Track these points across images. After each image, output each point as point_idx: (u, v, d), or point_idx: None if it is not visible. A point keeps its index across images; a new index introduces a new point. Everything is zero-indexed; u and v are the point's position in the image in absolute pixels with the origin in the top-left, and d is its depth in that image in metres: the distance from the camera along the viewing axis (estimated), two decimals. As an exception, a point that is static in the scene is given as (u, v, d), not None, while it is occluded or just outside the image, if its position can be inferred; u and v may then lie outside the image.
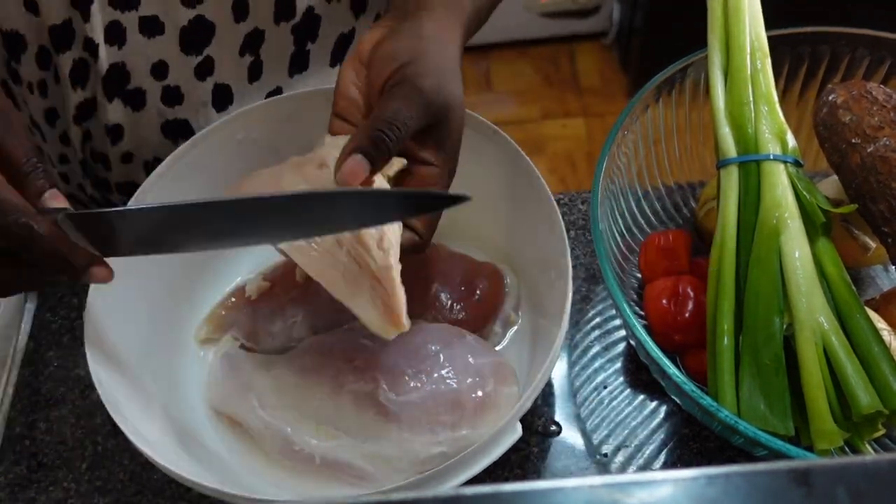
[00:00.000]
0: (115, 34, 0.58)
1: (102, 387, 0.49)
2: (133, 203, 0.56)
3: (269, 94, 0.65)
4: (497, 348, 0.60)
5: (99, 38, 0.58)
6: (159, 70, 0.61)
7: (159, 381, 0.56)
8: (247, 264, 0.65)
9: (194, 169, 0.59)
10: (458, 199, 0.41)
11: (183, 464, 0.49)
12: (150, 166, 0.67)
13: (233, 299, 0.63)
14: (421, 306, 0.60)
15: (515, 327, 0.61)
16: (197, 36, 0.59)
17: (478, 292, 0.60)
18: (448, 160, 0.50)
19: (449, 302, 0.60)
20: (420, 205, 0.43)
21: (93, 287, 0.52)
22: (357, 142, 0.45)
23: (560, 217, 0.53)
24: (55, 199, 0.42)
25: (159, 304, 0.59)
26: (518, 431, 0.47)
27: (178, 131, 0.65)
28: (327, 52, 0.66)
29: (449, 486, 0.45)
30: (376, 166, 0.46)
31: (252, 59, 0.62)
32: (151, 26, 0.58)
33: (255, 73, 0.64)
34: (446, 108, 0.48)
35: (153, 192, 0.57)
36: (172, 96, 0.63)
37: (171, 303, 0.61)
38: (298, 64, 0.65)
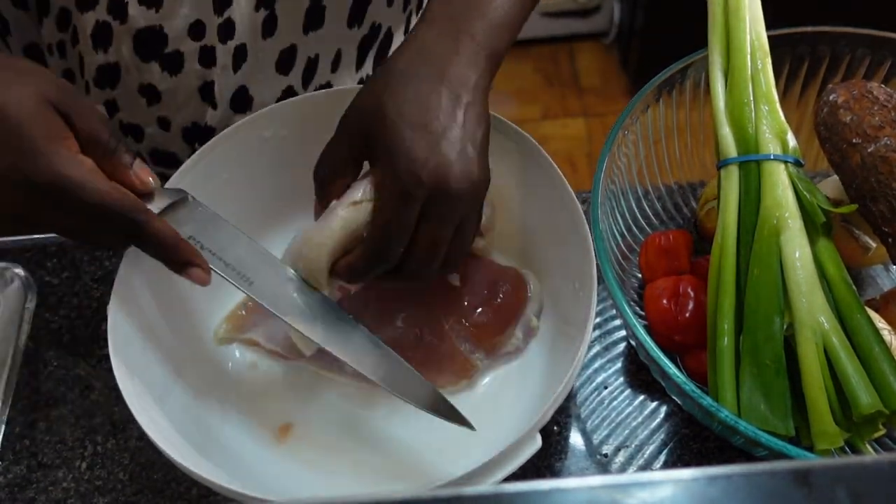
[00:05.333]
0: None
1: (122, 380, 0.50)
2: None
3: (283, 52, 0.64)
4: (518, 354, 0.60)
5: None
6: (196, 31, 0.60)
7: (179, 378, 0.57)
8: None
9: (220, 166, 0.60)
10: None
11: (198, 461, 0.50)
12: (188, 132, 0.66)
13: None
14: (443, 308, 0.60)
15: (537, 334, 0.61)
16: None
17: (500, 296, 0.60)
18: (382, 167, 0.49)
19: (471, 304, 0.60)
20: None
21: (116, 282, 0.53)
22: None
23: (587, 227, 0.53)
24: (143, 172, 0.47)
25: (181, 301, 0.60)
26: (538, 442, 0.46)
27: (210, 94, 0.64)
28: (344, 10, 0.64)
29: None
30: (321, 201, 0.51)
31: (266, 13, 0.61)
32: None
33: (269, 27, 0.62)
34: (372, 115, 0.48)
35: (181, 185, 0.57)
36: (208, 57, 0.62)
37: (192, 301, 0.61)
38: (314, 20, 0.63)
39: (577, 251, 0.54)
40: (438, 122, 0.47)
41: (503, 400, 0.58)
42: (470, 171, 0.47)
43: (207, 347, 0.62)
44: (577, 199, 0.55)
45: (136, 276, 0.55)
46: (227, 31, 0.61)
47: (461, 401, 0.58)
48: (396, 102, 0.48)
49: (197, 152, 0.59)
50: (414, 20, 0.72)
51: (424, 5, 0.55)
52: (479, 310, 0.60)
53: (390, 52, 0.71)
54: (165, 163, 0.70)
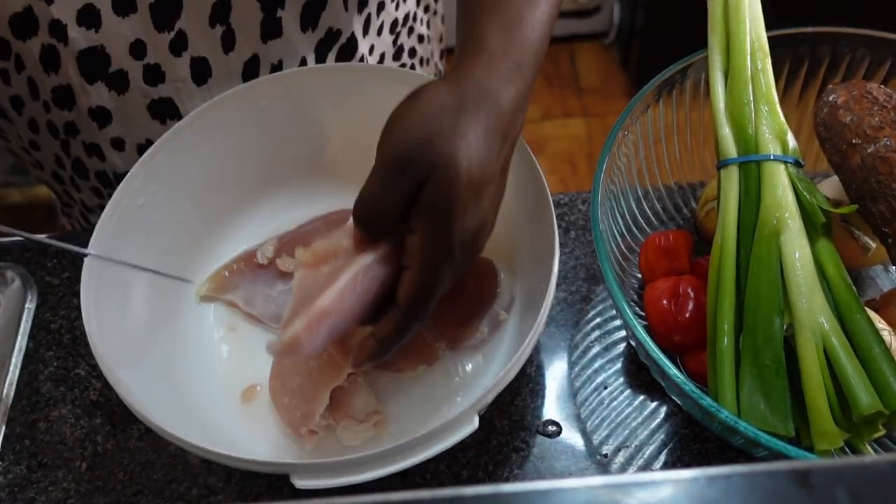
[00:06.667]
0: (89, 17, 0.57)
1: (94, 341, 0.51)
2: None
3: (247, 63, 0.65)
4: (483, 346, 0.61)
5: (68, 20, 0.57)
6: (138, 49, 0.60)
7: (158, 340, 0.58)
8: (255, 231, 0.67)
9: (212, 129, 0.62)
10: None
11: (181, 427, 0.50)
12: (143, 150, 0.67)
13: (241, 264, 0.65)
14: None
15: (502, 327, 0.61)
16: (166, 10, 0.59)
17: (467, 289, 0.61)
18: (430, 227, 0.43)
19: None
20: None
21: (95, 232, 0.54)
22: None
23: (554, 221, 0.53)
24: None
25: (161, 263, 0.61)
26: (474, 423, 0.46)
27: (165, 111, 0.65)
28: (296, 17, 0.64)
29: (396, 468, 0.45)
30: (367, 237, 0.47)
31: (223, 28, 0.62)
32: (125, 5, 0.57)
33: (228, 42, 0.63)
34: (425, 163, 0.42)
35: (150, 167, 0.60)
36: (154, 75, 0.62)
37: (173, 263, 0.62)
38: (270, 31, 0.64)
39: (545, 244, 0.54)
40: (491, 185, 0.45)
41: (463, 387, 0.59)
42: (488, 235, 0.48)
43: (187, 308, 0.63)
44: (547, 190, 0.55)
45: (114, 233, 0.56)
46: (179, 44, 0.61)
47: (421, 384, 0.59)
48: (467, 152, 0.42)
49: (168, 131, 0.60)
50: (374, 21, 0.70)
51: (464, 21, 0.49)
52: (444, 299, 0.60)
53: (359, 56, 0.71)
54: None
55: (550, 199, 0.54)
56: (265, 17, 0.63)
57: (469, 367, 0.60)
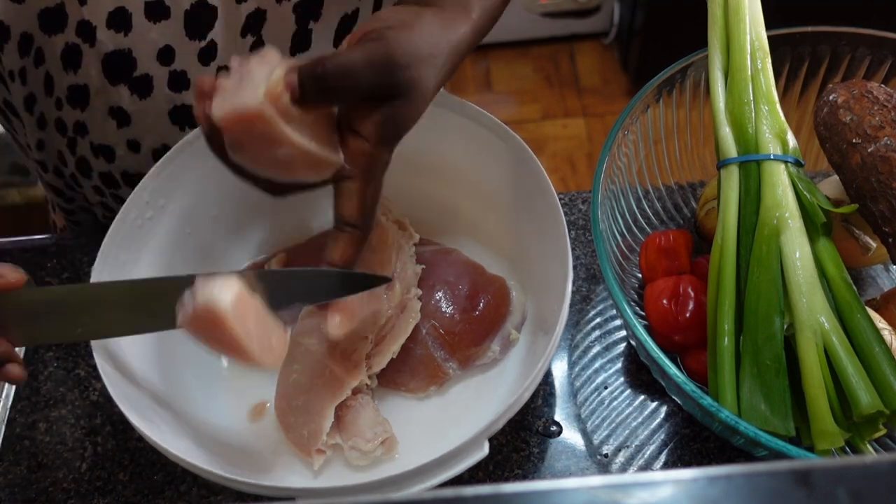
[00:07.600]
0: (120, 20, 0.57)
1: (102, 365, 0.50)
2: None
3: None
4: (495, 365, 0.60)
5: (98, 22, 0.57)
6: (165, 55, 0.60)
7: (164, 355, 0.57)
8: (263, 244, 0.67)
9: (202, 156, 0.60)
10: (380, 280, 0.45)
11: (179, 444, 0.50)
12: (158, 154, 0.67)
13: None
14: (422, 313, 0.60)
15: (514, 348, 0.61)
16: (201, 20, 0.59)
17: (479, 308, 0.60)
18: (382, 144, 0.47)
19: (449, 312, 0.60)
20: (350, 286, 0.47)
21: (98, 261, 0.53)
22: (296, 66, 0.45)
23: (567, 241, 0.52)
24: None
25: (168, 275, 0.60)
26: (484, 450, 0.46)
27: (186, 117, 0.65)
28: (331, 31, 0.65)
29: (402, 494, 0.45)
30: (307, 96, 0.44)
31: (253, 39, 0.62)
32: (157, 10, 0.57)
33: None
34: (409, 87, 0.45)
35: (158, 180, 0.58)
36: (179, 81, 0.62)
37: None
38: (300, 43, 0.64)
39: (557, 265, 0.53)
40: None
41: (473, 408, 0.59)
42: None
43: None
44: (561, 212, 0.54)
45: (121, 246, 0.55)
46: (208, 54, 0.61)
47: (432, 405, 0.59)
48: (427, 69, 0.46)
49: (175, 145, 0.59)
50: None
51: None
52: (457, 320, 0.60)
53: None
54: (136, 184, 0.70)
55: (564, 220, 0.54)
56: (297, 30, 0.63)
57: (479, 387, 0.60)
